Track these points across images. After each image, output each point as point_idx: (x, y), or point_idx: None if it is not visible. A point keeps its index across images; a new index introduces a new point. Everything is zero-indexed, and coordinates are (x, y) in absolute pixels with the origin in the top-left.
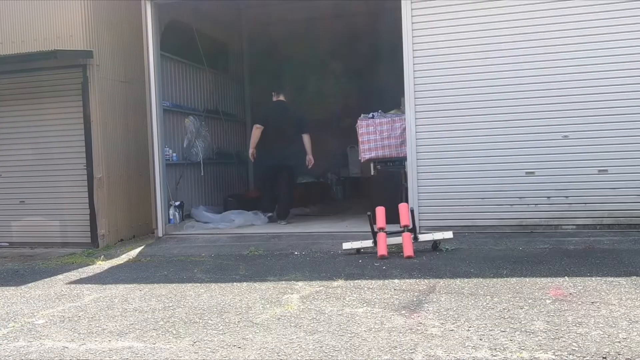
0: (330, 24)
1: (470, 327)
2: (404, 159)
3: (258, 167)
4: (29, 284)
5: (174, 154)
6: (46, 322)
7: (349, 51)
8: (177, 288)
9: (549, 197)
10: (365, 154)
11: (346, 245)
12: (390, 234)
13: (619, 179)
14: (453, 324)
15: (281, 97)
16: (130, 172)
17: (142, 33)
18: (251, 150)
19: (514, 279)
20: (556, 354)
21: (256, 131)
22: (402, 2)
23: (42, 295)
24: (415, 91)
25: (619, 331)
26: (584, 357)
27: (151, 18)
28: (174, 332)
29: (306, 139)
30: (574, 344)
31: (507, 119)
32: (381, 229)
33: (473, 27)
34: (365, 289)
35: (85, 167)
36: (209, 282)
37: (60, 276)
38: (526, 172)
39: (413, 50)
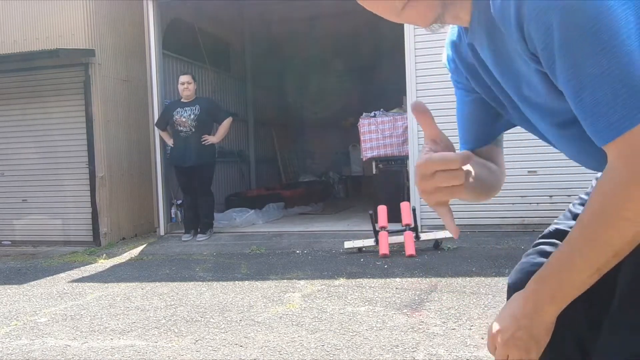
0: (332, 22)
1: (472, 326)
2: (406, 157)
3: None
4: (32, 282)
5: None
6: (48, 320)
7: (351, 50)
8: (179, 286)
9: (551, 197)
10: (367, 153)
11: (348, 244)
12: (392, 232)
13: None
14: (455, 322)
15: None
16: (132, 170)
17: (144, 32)
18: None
19: None
20: None
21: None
22: None
23: (44, 293)
24: (417, 90)
25: None
26: None
27: (153, 17)
28: (176, 330)
29: None
30: None
31: None
32: (383, 228)
33: None
34: (367, 287)
35: (87, 166)
36: (210, 281)
37: (62, 274)
38: (528, 171)
39: (415, 49)
